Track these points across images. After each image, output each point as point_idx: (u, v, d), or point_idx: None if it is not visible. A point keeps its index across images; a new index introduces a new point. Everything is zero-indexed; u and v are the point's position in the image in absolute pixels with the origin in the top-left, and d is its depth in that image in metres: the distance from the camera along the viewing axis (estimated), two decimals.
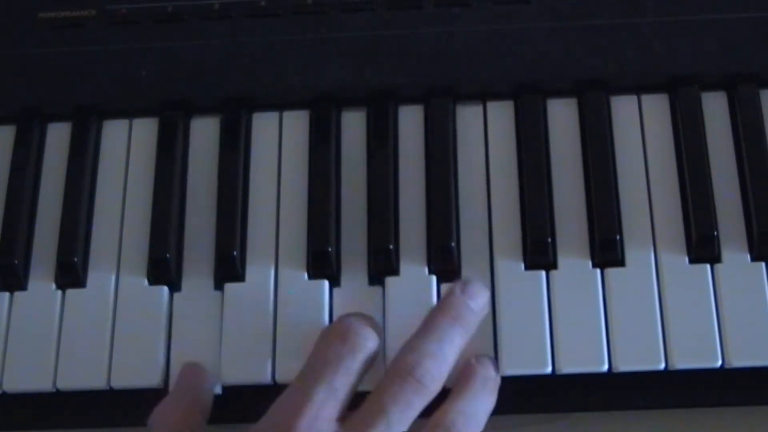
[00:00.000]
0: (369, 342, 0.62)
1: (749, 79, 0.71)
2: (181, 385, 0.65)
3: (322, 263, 0.68)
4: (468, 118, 0.72)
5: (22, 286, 0.69)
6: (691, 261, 0.67)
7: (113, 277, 0.69)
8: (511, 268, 0.67)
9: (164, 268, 0.68)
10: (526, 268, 0.67)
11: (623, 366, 0.64)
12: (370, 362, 0.62)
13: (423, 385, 0.60)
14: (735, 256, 0.67)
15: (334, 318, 0.66)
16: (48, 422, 0.68)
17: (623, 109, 0.71)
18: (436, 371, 0.61)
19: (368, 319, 0.64)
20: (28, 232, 0.70)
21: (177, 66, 0.73)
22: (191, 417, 0.63)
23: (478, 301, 0.64)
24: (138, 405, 0.65)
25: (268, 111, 0.73)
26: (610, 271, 0.67)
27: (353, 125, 0.72)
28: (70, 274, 0.69)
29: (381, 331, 0.65)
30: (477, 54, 0.72)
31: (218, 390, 0.66)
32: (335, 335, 0.62)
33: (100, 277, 0.69)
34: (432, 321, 0.63)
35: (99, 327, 0.67)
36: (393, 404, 0.59)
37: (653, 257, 0.67)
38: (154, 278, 0.69)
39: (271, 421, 0.59)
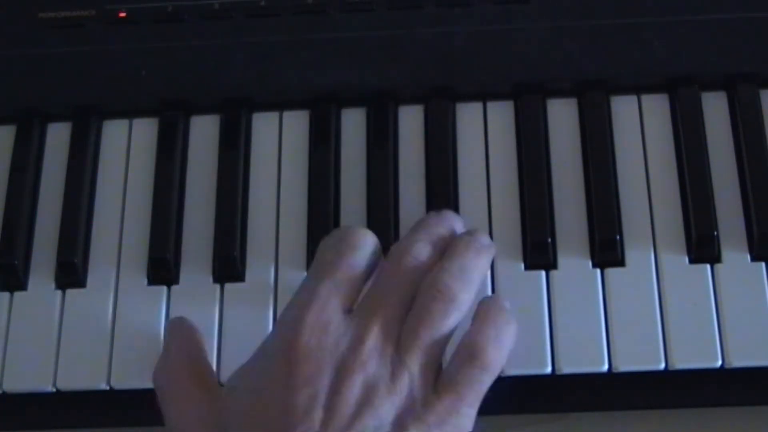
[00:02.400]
0: (367, 238, 0.63)
1: (749, 79, 0.71)
2: (176, 337, 0.65)
3: None
4: (468, 118, 0.72)
5: (22, 286, 0.69)
6: (691, 261, 0.67)
7: (113, 277, 0.69)
8: (511, 268, 0.67)
9: (164, 268, 0.68)
10: (526, 268, 0.67)
11: (623, 366, 0.64)
12: (373, 259, 0.63)
13: (419, 261, 0.62)
14: (735, 256, 0.67)
15: None
16: (48, 422, 0.68)
17: (623, 109, 0.71)
18: (429, 250, 0.62)
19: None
20: (28, 232, 0.70)
21: (177, 66, 0.73)
22: (200, 370, 0.64)
23: (457, 224, 0.66)
24: (138, 405, 0.65)
25: (268, 111, 0.73)
26: (610, 271, 0.67)
27: (353, 125, 0.72)
28: (70, 274, 0.69)
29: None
30: (477, 54, 0.72)
31: None
32: (333, 238, 0.63)
33: (100, 277, 0.69)
34: (418, 224, 0.65)
35: (99, 327, 0.67)
36: (394, 286, 0.61)
37: (653, 257, 0.67)
38: (154, 278, 0.69)
39: (282, 323, 0.61)
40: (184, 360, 0.64)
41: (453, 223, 0.65)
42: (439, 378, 0.60)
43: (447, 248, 0.63)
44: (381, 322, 0.60)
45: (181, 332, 0.65)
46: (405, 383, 0.59)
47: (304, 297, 0.61)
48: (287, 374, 0.58)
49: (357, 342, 0.59)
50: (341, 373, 0.58)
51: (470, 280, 0.62)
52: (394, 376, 0.59)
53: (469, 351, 0.60)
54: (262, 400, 0.58)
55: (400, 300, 0.61)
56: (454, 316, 0.61)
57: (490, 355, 0.60)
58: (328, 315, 0.60)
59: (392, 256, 0.63)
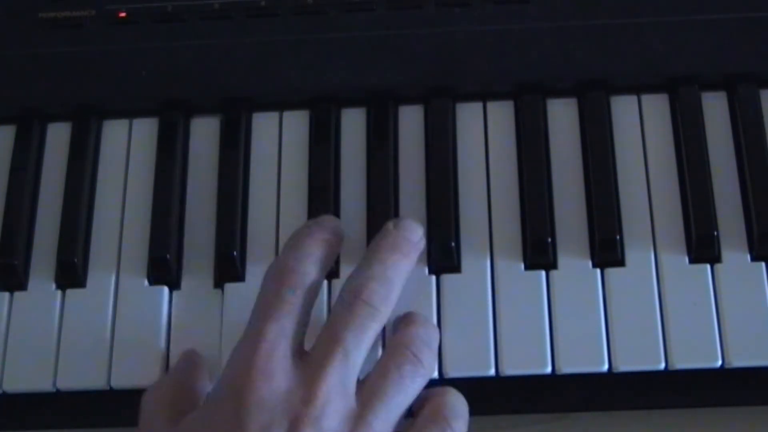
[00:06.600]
0: (306, 277, 0.61)
1: (749, 79, 0.71)
2: (176, 368, 0.65)
3: None
4: (468, 118, 0.72)
5: (22, 286, 0.69)
6: (691, 261, 0.67)
7: (113, 277, 0.69)
8: (511, 268, 0.67)
9: (164, 268, 0.68)
10: (526, 268, 0.67)
11: (623, 366, 0.64)
12: (315, 292, 0.62)
13: (372, 306, 0.60)
14: (735, 256, 0.67)
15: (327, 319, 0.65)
16: (48, 422, 0.68)
17: (623, 109, 0.71)
18: (383, 291, 0.61)
19: (317, 240, 0.63)
20: (28, 232, 0.70)
21: (177, 66, 0.73)
22: (184, 397, 0.63)
23: (414, 233, 0.64)
24: (138, 405, 0.65)
25: (268, 111, 0.73)
26: (610, 271, 0.67)
27: (353, 125, 0.72)
28: (70, 274, 0.69)
29: (339, 237, 0.64)
30: (477, 54, 0.72)
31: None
32: (274, 277, 0.62)
33: (100, 277, 0.69)
34: (371, 251, 0.63)
35: (99, 327, 0.68)
36: (346, 331, 0.60)
37: (653, 257, 0.67)
38: (154, 278, 0.69)
39: (230, 368, 0.60)
40: (169, 396, 0.63)
41: (410, 247, 0.64)
42: None
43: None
44: (335, 375, 0.58)
45: (182, 366, 0.65)
46: None
47: (251, 340, 0.59)
48: (238, 425, 0.57)
49: (310, 395, 0.57)
50: (294, 426, 0.57)
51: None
52: None
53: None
54: None
55: (356, 348, 0.59)
56: (424, 379, 0.61)
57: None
58: (278, 361, 0.58)
59: (344, 300, 0.61)
